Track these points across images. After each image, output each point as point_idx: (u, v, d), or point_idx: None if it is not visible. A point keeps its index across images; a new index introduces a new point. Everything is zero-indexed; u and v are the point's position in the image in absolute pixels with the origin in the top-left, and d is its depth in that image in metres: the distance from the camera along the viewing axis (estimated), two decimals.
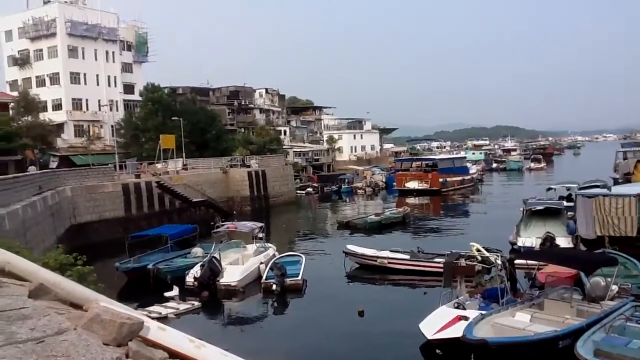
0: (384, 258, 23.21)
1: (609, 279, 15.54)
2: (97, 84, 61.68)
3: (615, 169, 52.60)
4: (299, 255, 23.89)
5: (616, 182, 41.47)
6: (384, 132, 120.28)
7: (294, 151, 75.56)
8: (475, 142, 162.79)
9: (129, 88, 65.74)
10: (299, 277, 21.05)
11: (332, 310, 18.69)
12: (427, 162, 61.03)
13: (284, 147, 71.21)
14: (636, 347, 12.05)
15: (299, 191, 58.64)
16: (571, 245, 22.92)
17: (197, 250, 24.80)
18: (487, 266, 18.00)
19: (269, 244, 26.11)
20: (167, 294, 20.00)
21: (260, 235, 25.89)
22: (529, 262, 18.79)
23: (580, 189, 29.18)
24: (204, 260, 21.88)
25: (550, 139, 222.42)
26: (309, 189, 61.22)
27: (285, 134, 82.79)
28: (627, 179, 40.74)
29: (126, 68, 66.55)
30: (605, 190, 25.21)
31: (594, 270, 15.71)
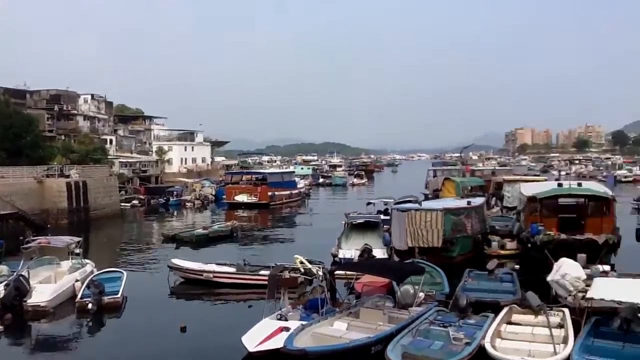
0: (210, 272, 22.98)
1: (417, 287, 17.01)
2: None
3: (426, 185, 57.81)
4: (119, 271, 22.67)
5: (427, 197, 45.43)
6: (215, 144, 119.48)
7: (120, 161, 71.80)
8: (304, 158, 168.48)
9: None
10: (119, 295, 19.99)
11: (152, 328, 18.02)
12: (257, 175, 61.81)
13: (109, 157, 67.44)
14: (437, 348, 13.32)
15: (123, 204, 55.86)
16: (386, 256, 24.61)
17: (2, 269, 22.36)
18: (309, 277, 18.62)
19: (87, 260, 24.45)
20: None
21: (77, 250, 24.14)
22: (348, 272, 19.94)
23: (396, 203, 31.53)
24: (9, 279, 19.81)
25: (372, 156, 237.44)
26: (135, 202, 58.61)
27: (111, 143, 78.47)
28: (436, 194, 44.89)
29: None
30: (416, 205, 27.52)
31: (404, 279, 17.10)
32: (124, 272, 22.40)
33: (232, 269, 23.30)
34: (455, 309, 15.96)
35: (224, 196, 58.67)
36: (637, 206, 42.85)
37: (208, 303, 21.46)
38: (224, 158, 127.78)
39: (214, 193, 64.47)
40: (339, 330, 14.47)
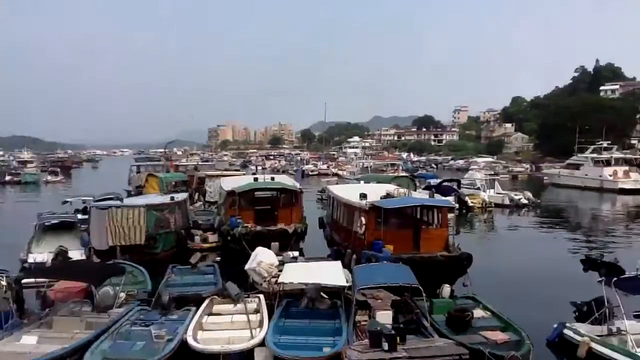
0: None
1: (118, 288, 16.44)
2: None
3: (129, 181, 56.04)
4: None
5: (130, 194, 44.07)
6: None
7: None
8: None
9: None
10: None
11: None
12: None
13: None
14: (139, 348, 13.07)
15: None
16: (84, 258, 23.17)
17: None
18: None
19: None
20: None
21: None
22: (39, 279, 18.21)
23: (96, 201, 29.85)
24: None
25: (69, 151, 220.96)
26: None
27: None
28: (139, 191, 43.80)
29: None
30: (117, 202, 26.48)
31: (103, 281, 16.37)
32: None
33: None
34: (158, 306, 15.91)
35: None
36: (320, 197, 48.39)
37: None
38: None
39: None
40: (29, 344, 13.17)
